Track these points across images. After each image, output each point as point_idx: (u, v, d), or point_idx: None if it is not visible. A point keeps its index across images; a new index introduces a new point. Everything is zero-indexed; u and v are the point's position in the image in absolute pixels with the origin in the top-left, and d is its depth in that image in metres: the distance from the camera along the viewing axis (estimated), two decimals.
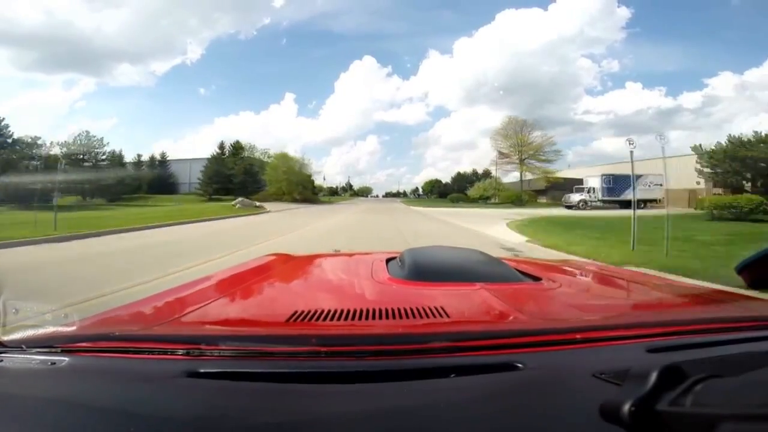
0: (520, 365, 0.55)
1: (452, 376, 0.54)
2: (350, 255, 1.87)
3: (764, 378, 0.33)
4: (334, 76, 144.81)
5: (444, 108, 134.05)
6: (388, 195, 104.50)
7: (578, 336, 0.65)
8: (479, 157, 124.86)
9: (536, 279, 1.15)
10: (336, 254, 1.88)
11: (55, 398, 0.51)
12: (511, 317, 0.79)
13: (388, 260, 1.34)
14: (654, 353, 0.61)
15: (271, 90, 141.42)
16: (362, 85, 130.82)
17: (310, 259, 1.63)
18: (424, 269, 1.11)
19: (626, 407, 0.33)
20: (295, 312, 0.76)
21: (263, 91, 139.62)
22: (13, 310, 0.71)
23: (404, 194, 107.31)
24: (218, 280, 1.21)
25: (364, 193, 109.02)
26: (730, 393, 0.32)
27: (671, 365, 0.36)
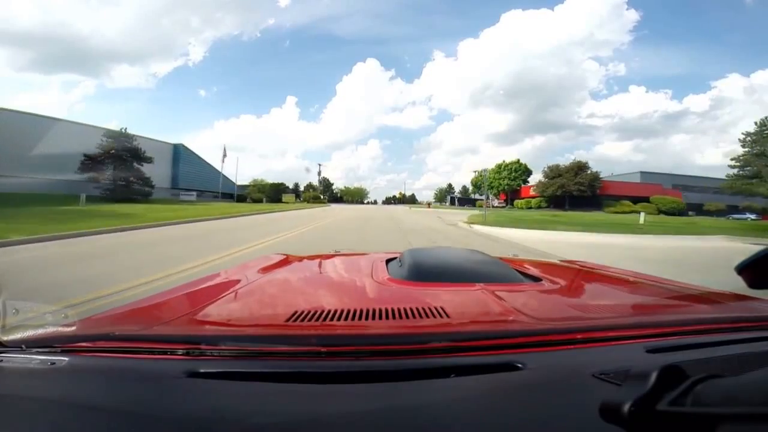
0: (520, 365, 0.55)
1: (452, 376, 0.54)
2: (350, 255, 1.83)
3: (764, 378, 0.33)
4: (337, 78, 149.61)
5: (447, 111, 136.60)
6: (388, 201, 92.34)
7: (578, 336, 0.65)
8: (482, 162, 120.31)
9: (536, 279, 1.15)
10: (336, 254, 1.80)
11: (55, 398, 0.50)
12: (511, 317, 0.79)
13: (388, 260, 1.34)
14: (654, 353, 0.62)
15: (272, 93, 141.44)
16: (365, 88, 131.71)
17: (310, 259, 1.61)
18: (424, 269, 1.11)
19: (626, 407, 0.33)
20: (295, 312, 0.75)
21: (265, 95, 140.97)
22: (13, 310, 0.70)
23: (411, 199, 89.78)
24: (218, 280, 1.20)
25: (354, 197, 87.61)
26: (730, 393, 0.32)
27: (671, 365, 0.36)
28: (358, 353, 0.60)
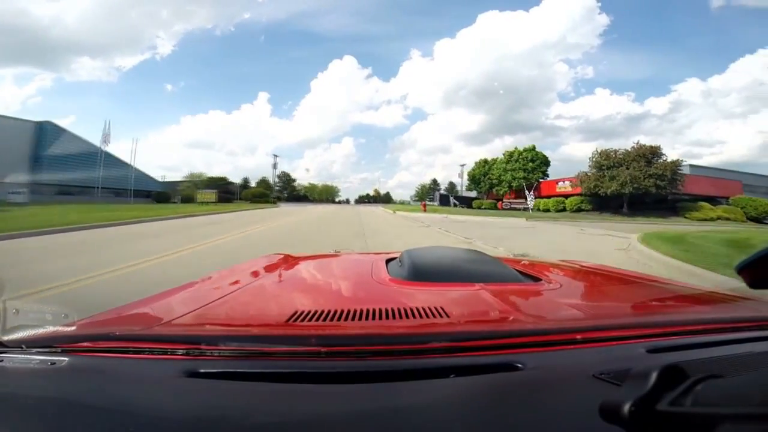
0: (520, 365, 0.55)
1: (452, 376, 0.53)
2: (350, 255, 1.83)
3: (764, 378, 0.33)
4: (312, 75, 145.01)
5: (422, 111, 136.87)
6: (362, 200, 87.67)
7: (578, 336, 0.65)
8: (453, 162, 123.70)
9: (536, 279, 1.14)
10: (336, 254, 1.81)
11: (55, 398, 0.50)
12: (511, 317, 0.79)
13: (388, 260, 1.33)
14: (654, 353, 0.61)
15: (244, 89, 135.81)
16: (341, 85, 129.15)
17: (310, 259, 1.60)
18: (423, 269, 1.10)
19: (626, 407, 0.33)
20: (295, 312, 0.75)
21: (236, 90, 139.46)
22: (13, 310, 0.70)
23: (386, 198, 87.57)
24: (218, 280, 1.19)
25: (323, 196, 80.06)
26: (730, 393, 0.32)
27: (671, 365, 0.35)
28: (358, 353, 0.60)
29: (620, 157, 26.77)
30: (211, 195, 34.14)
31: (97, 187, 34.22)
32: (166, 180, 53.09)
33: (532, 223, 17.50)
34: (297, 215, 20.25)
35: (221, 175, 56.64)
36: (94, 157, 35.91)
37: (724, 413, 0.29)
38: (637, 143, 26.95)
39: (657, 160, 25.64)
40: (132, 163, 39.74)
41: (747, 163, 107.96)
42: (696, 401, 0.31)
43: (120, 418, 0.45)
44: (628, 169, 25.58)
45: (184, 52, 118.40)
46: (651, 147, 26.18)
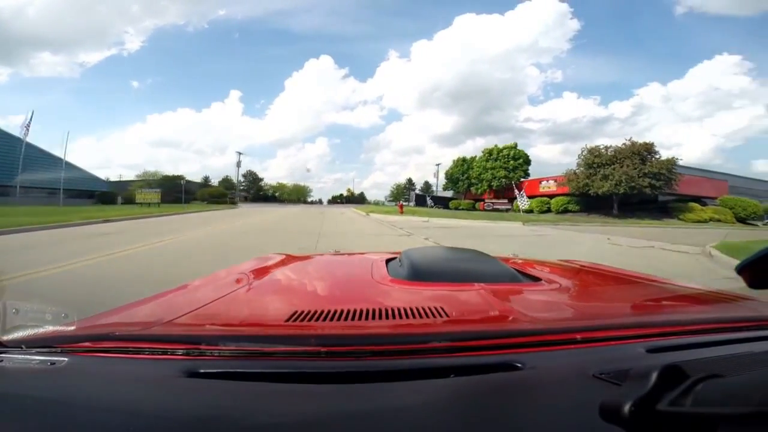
0: (520, 365, 0.55)
1: (452, 376, 0.53)
2: (350, 255, 1.81)
3: (764, 378, 0.33)
4: (287, 74, 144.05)
5: (397, 111, 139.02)
6: (335, 200, 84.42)
7: (578, 336, 0.65)
8: (427, 162, 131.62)
9: (536, 279, 1.14)
10: (336, 254, 1.80)
11: (55, 398, 0.50)
12: (510, 317, 0.79)
13: (387, 260, 1.32)
14: (654, 353, 0.61)
15: (216, 87, 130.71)
16: (316, 85, 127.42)
17: (310, 259, 1.60)
18: (423, 269, 1.10)
19: (626, 407, 0.32)
20: (295, 312, 0.75)
21: (207, 88, 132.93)
22: (13, 310, 0.70)
23: (360, 198, 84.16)
24: (218, 280, 1.19)
25: (293, 196, 76.13)
26: (730, 393, 0.32)
27: (671, 365, 0.35)
28: (357, 353, 0.60)
29: (611, 154, 24.90)
30: (153, 195, 29.51)
31: (15, 186, 28.86)
32: (122, 179, 47.63)
33: (534, 229, 14.77)
34: (243, 219, 16.98)
35: (186, 174, 51.82)
36: (30, 156, 30.78)
37: (724, 413, 0.29)
38: (630, 140, 25.18)
39: (651, 157, 23.97)
40: (63, 159, 34.45)
41: (702, 165, 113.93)
42: (696, 401, 0.31)
43: (120, 418, 0.45)
44: (621, 167, 23.72)
45: (154, 48, 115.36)
46: (645, 144, 24.43)
